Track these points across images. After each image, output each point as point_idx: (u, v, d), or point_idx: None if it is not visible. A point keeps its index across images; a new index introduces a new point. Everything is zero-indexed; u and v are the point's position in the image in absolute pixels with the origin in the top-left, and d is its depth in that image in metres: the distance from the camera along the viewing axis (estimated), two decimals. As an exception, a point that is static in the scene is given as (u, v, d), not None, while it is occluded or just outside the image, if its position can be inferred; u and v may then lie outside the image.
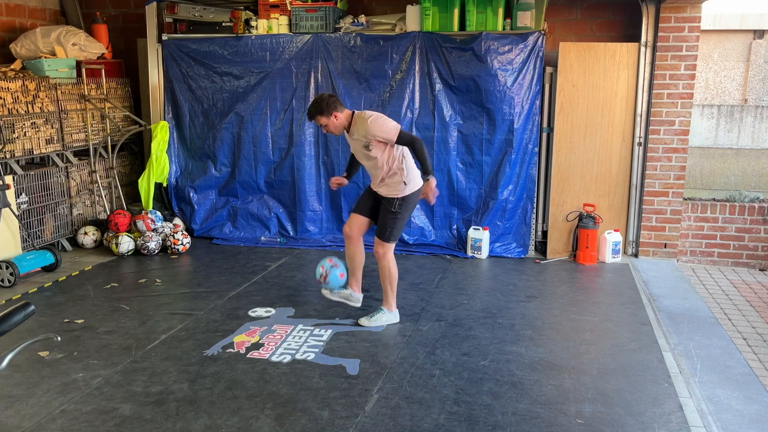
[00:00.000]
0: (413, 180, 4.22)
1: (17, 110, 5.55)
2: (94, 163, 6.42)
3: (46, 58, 6.02)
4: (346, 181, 4.51)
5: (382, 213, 4.30)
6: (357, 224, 4.41)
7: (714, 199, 6.53)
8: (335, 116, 4.13)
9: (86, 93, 6.29)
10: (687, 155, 5.98)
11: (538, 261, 5.97)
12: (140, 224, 6.11)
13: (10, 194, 5.34)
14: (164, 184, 6.65)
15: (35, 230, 5.77)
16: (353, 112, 4.22)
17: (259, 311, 4.62)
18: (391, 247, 4.34)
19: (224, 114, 6.47)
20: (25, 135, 5.64)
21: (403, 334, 4.22)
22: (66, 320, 4.44)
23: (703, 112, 6.97)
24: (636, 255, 6.17)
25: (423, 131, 6.08)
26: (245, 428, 3.09)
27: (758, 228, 6.24)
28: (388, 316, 4.42)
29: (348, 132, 4.24)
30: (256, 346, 4.02)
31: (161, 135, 6.41)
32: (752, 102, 6.96)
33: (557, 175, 6.02)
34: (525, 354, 3.93)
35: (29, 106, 5.68)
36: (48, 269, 5.52)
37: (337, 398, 3.37)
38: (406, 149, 4.21)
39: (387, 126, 4.10)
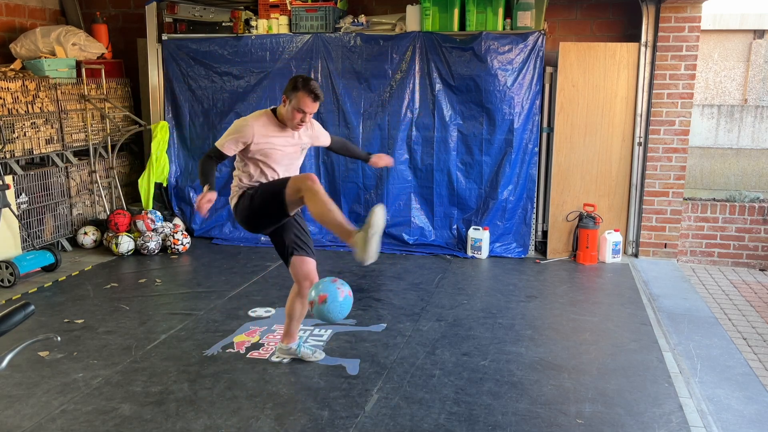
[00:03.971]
0: None
1: (17, 110, 5.55)
2: (94, 163, 6.42)
3: (46, 58, 6.02)
4: (214, 195, 3.32)
5: (300, 222, 3.59)
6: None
7: (714, 199, 6.53)
8: None
9: (86, 93, 6.28)
10: (687, 155, 5.98)
11: (538, 261, 5.96)
12: (140, 224, 6.11)
13: (10, 194, 5.34)
14: (164, 184, 6.65)
15: (35, 230, 5.77)
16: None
17: (259, 311, 4.62)
18: None
19: (224, 114, 6.46)
20: (25, 135, 5.64)
21: (403, 334, 4.22)
22: (66, 320, 4.44)
23: (703, 112, 6.97)
24: (636, 255, 6.16)
25: (423, 131, 6.08)
26: (245, 428, 3.09)
27: (758, 228, 6.23)
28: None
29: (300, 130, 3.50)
30: (256, 346, 4.02)
31: (161, 135, 6.40)
32: (752, 102, 6.96)
33: (557, 175, 6.02)
34: (525, 354, 3.93)
35: (29, 106, 5.68)
36: (48, 269, 5.52)
37: (337, 398, 3.37)
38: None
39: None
